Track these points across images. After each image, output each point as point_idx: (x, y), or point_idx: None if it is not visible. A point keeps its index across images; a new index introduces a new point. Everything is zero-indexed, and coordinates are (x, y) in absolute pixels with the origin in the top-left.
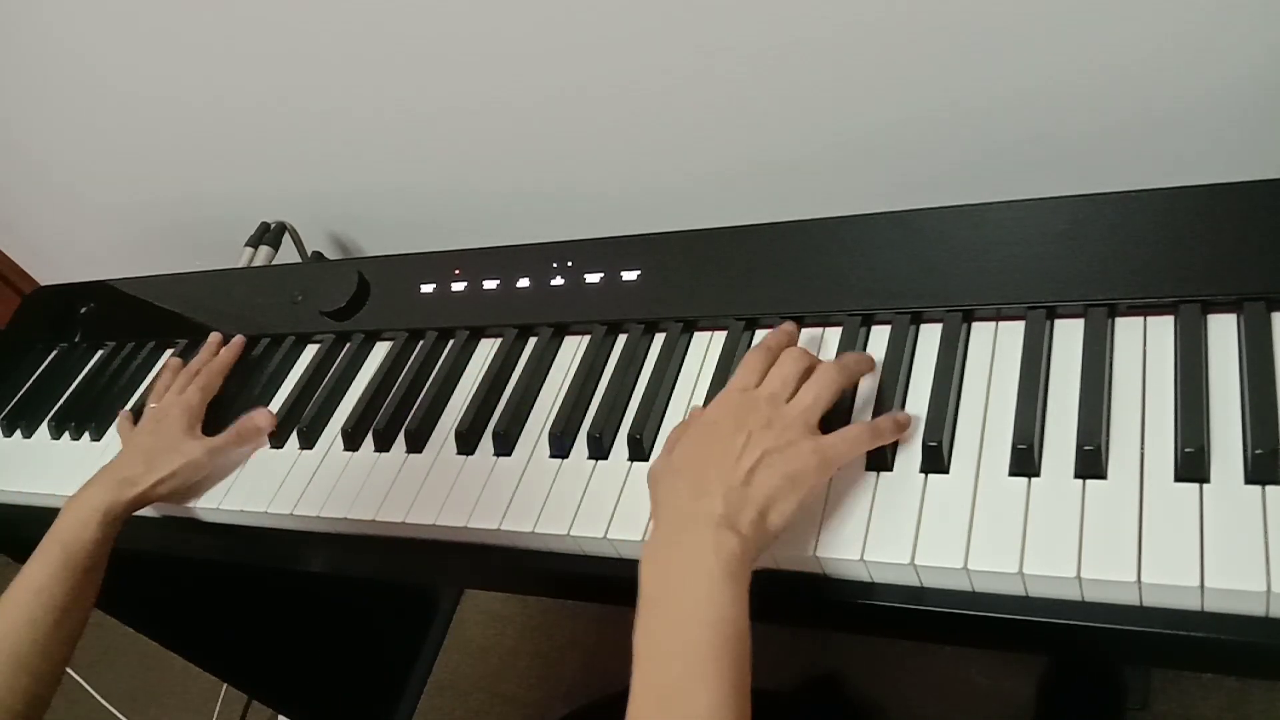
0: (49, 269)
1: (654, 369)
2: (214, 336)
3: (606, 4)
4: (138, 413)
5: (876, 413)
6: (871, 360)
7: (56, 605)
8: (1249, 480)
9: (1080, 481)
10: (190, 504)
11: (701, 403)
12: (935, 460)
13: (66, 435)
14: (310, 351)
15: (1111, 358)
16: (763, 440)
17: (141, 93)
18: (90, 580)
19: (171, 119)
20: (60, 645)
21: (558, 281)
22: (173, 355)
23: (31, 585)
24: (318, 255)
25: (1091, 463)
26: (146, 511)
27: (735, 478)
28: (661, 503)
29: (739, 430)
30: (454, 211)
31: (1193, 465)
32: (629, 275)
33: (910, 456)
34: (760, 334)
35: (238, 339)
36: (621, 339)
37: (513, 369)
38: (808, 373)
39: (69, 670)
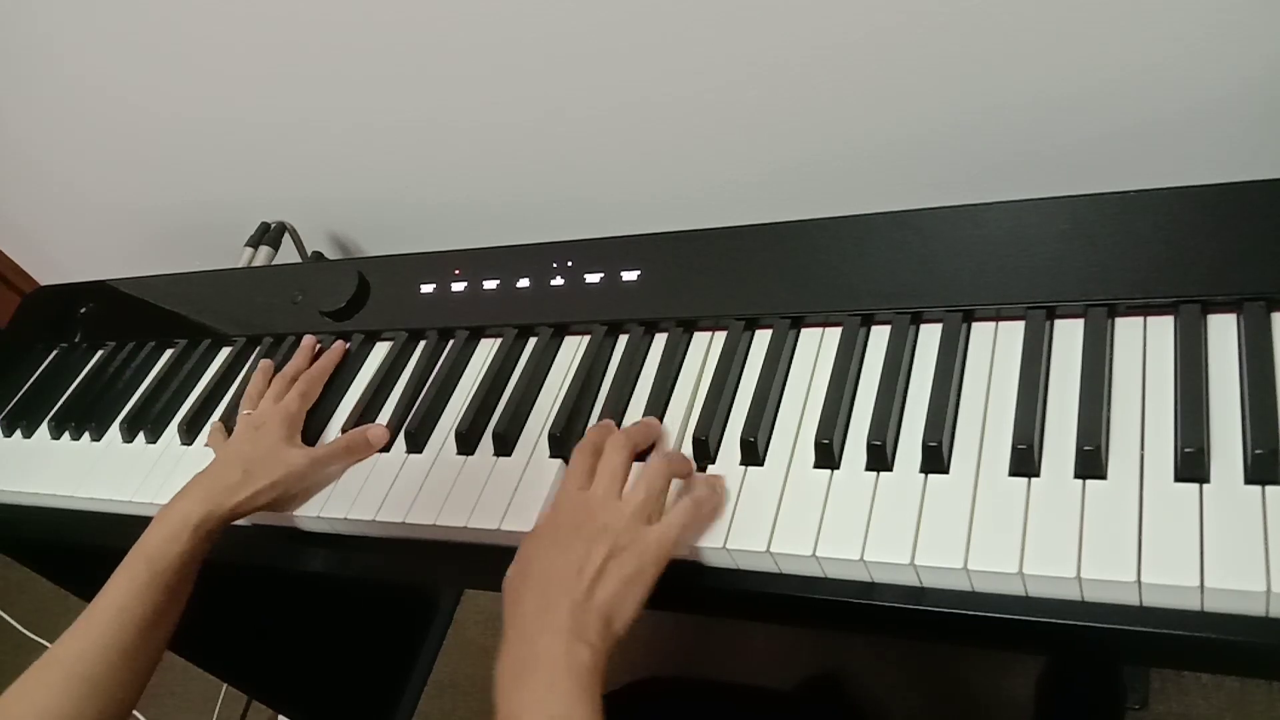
0: (49, 269)
1: (654, 369)
2: (308, 340)
3: (607, 9)
4: (230, 426)
5: (875, 419)
6: (690, 462)
7: (138, 625)
8: (1249, 480)
9: (1080, 481)
10: (289, 513)
11: (700, 404)
12: (935, 460)
13: (66, 435)
14: None
15: (1111, 358)
16: (601, 546)
17: (142, 94)
18: (176, 599)
19: (172, 119)
20: (138, 669)
21: (558, 281)
22: (263, 358)
23: (114, 603)
24: (318, 255)
25: (1091, 463)
26: (146, 511)
27: (579, 591)
28: (511, 620)
29: (577, 539)
30: (454, 212)
31: (1193, 465)
32: (629, 275)
33: (910, 456)
34: (760, 334)
35: (338, 344)
36: (621, 339)
37: (513, 369)
38: (632, 456)
39: None
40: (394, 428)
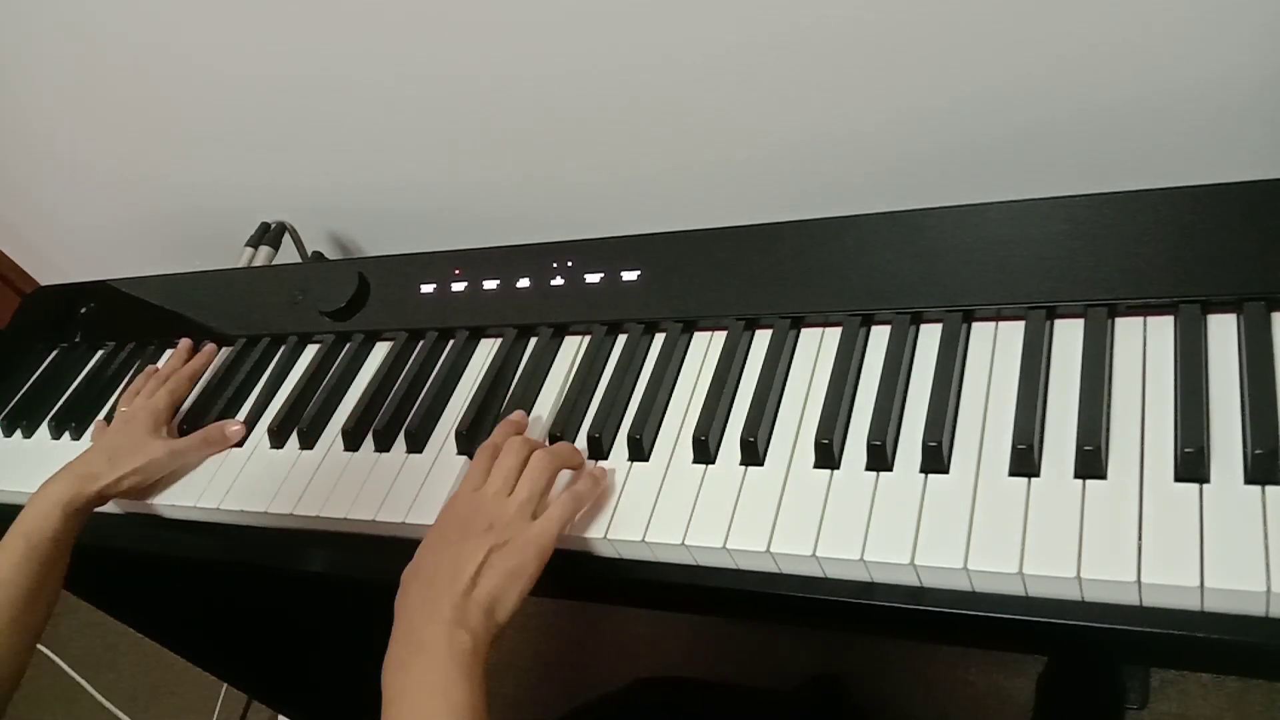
0: (49, 269)
1: (654, 369)
2: (184, 342)
3: (606, 7)
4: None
5: (875, 419)
6: (580, 454)
7: (19, 596)
8: (1249, 480)
9: (1080, 481)
10: (149, 500)
11: (700, 404)
12: (935, 460)
13: (66, 435)
14: (310, 351)
15: (1111, 358)
16: (485, 542)
17: (142, 93)
18: (53, 572)
19: (171, 119)
20: (22, 636)
21: (558, 281)
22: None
23: None
24: (318, 255)
25: (1091, 463)
26: (145, 511)
27: (461, 584)
28: (400, 613)
29: (465, 536)
30: (454, 211)
31: (1193, 465)
32: (629, 275)
33: (910, 456)
34: (760, 334)
35: (209, 346)
36: (621, 339)
37: (513, 369)
38: (527, 459)
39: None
40: (394, 427)
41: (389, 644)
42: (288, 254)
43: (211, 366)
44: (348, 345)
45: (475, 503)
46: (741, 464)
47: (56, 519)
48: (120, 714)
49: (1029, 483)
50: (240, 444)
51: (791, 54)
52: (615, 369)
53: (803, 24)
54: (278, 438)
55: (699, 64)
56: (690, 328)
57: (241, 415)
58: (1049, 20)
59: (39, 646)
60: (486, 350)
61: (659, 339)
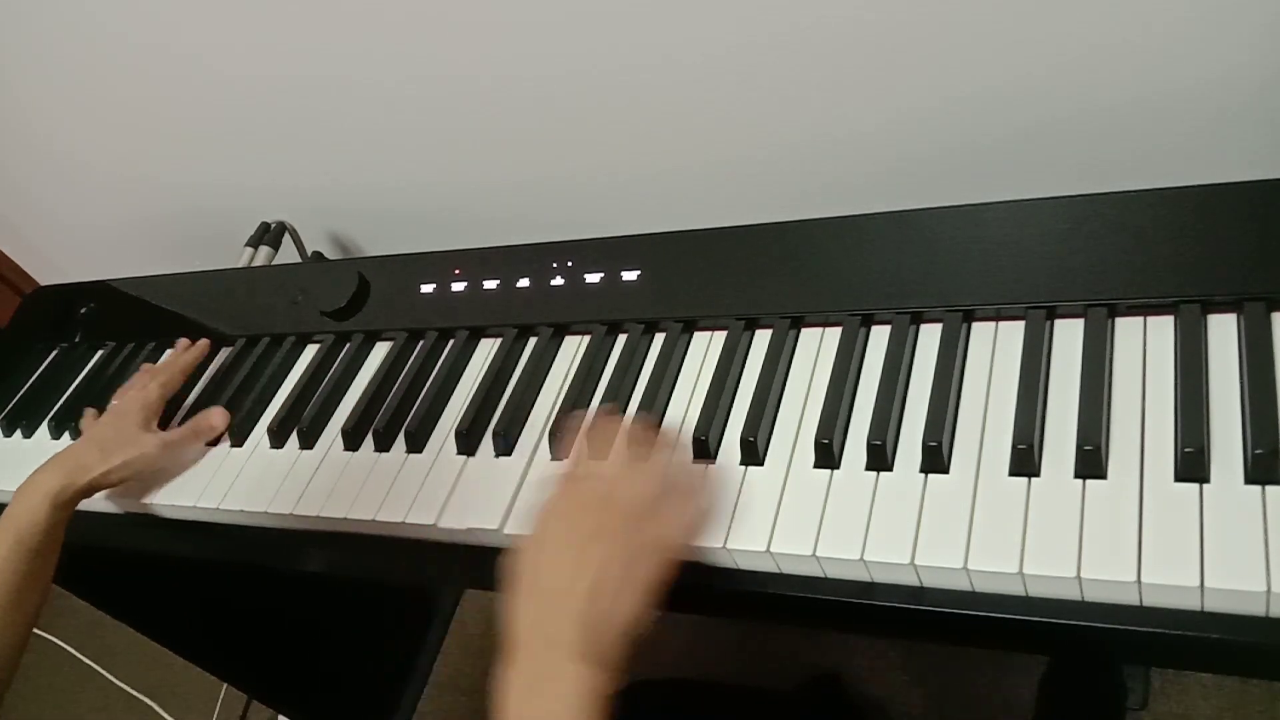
0: (49, 269)
1: (654, 369)
2: (181, 342)
3: (606, 7)
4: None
5: (875, 418)
6: (690, 461)
7: (10, 587)
8: (1249, 480)
9: (1080, 481)
10: (148, 499)
11: (700, 404)
12: (935, 460)
13: (67, 435)
14: (310, 351)
15: (1111, 358)
16: (605, 549)
17: (142, 93)
18: (43, 563)
19: (172, 119)
20: (16, 626)
21: (558, 281)
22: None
23: None
24: (318, 255)
25: (1091, 463)
26: (145, 510)
27: (579, 600)
28: (515, 631)
29: (574, 543)
30: (454, 211)
31: (1193, 465)
32: (629, 275)
33: (910, 456)
34: (760, 334)
35: (203, 341)
36: (621, 339)
37: (513, 369)
38: (628, 453)
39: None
40: (394, 427)
41: (506, 659)
42: (288, 254)
43: (212, 367)
44: (348, 345)
45: (582, 505)
46: (741, 464)
47: (46, 510)
48: (137, 694)
49: (1029, 483)
50: (240, 443)
51: (791, 54)
52: (615, 369)
53: (803, 24)
54: (278, 438)
55: (699, 63)
56: (690, 328)
57: (241, 416)
58: (1048, 20)
59: (54, 638)
60: (486, 350)
61: (659, 339)
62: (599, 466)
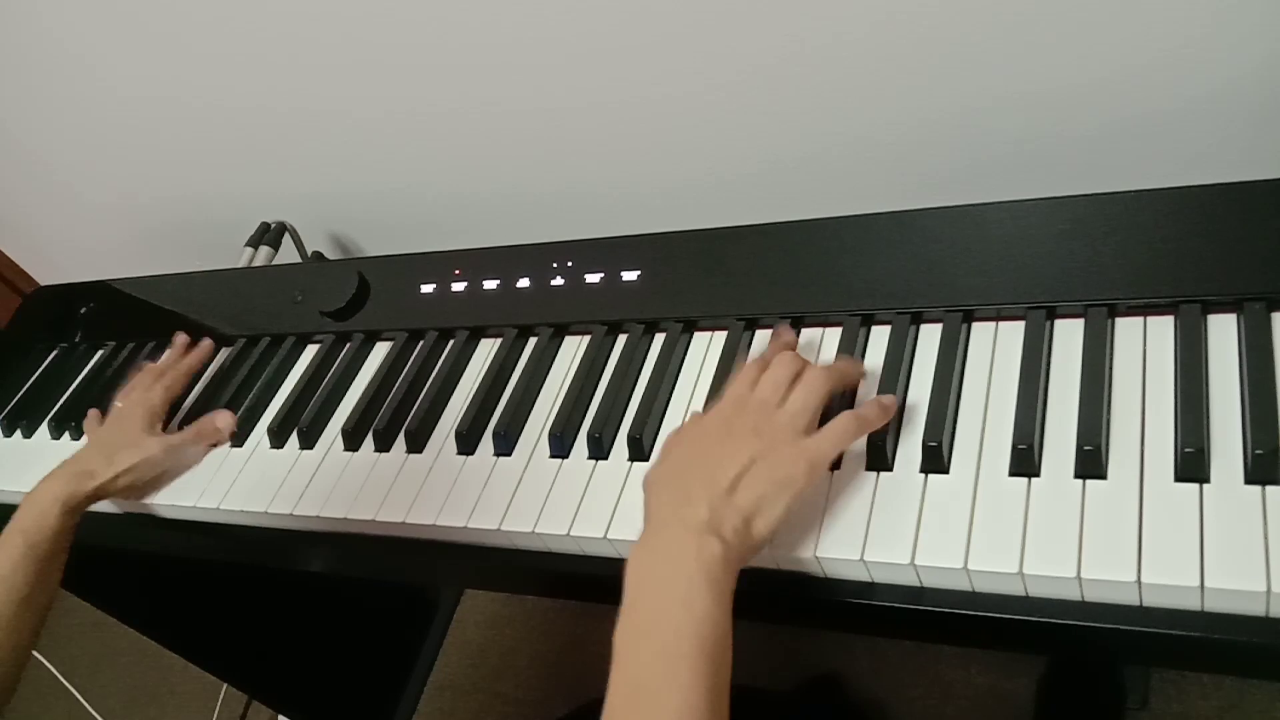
0: (49, 269)
1: (654, 369)
2: (180, 338)
3: (607, 8)
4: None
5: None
6: (861, 367)
7: (19, 593)
8: (1249, 480)
9: (1080, 481)
10: (148, 500)
11: (701, 404)
12: (935, 460)
13: (66, 435)
14: (310, 351)
15: (1111, 358)
16: (750, 447)
17: (142, 93)
18: (52, 569)
19: (172, 119)
20: (22, 633)
21: (558, 281)
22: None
23: None
24: (318, 255)
25: (1091, 463)
26: (145, 511)
27: (721, 485)
28: (651, 509)
29: (727, 437)
30: (454, 211)
31: (1193, 465)
32: (629, 275)
33: (910, 456)
34: (760, 334)
35: (206, 341)
36: (621, 339)
37: (513, 369)
38: (799, 377)
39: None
40: (394, 427)
41: (636, 543)
42: (288, 254)
43: (212, 367)
44: (348, 345)
45: (739, 407)
46: None
47: (54, 517)
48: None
49: (1029, 483)
50: (240, 443)
51: (791, 55)
52: (615, 369)
53: (803, 28)
54: (278, 438)
55: (699, 67)
56: (690, 328)
57: (241, 416)
58: (1050, 26)
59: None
60: (486, 350)
61: (659, 339)
62: (761, 382)
